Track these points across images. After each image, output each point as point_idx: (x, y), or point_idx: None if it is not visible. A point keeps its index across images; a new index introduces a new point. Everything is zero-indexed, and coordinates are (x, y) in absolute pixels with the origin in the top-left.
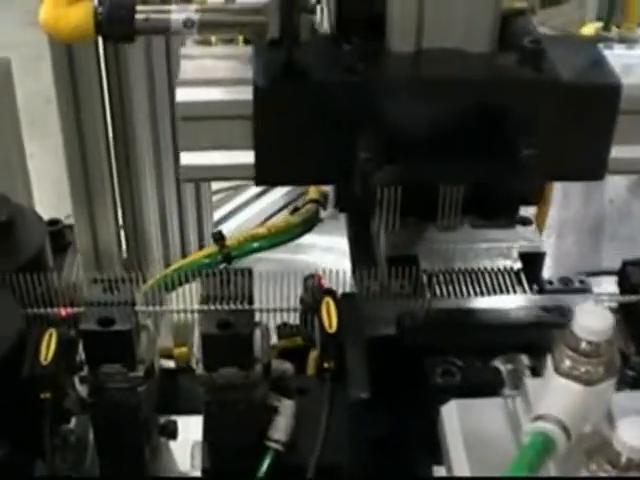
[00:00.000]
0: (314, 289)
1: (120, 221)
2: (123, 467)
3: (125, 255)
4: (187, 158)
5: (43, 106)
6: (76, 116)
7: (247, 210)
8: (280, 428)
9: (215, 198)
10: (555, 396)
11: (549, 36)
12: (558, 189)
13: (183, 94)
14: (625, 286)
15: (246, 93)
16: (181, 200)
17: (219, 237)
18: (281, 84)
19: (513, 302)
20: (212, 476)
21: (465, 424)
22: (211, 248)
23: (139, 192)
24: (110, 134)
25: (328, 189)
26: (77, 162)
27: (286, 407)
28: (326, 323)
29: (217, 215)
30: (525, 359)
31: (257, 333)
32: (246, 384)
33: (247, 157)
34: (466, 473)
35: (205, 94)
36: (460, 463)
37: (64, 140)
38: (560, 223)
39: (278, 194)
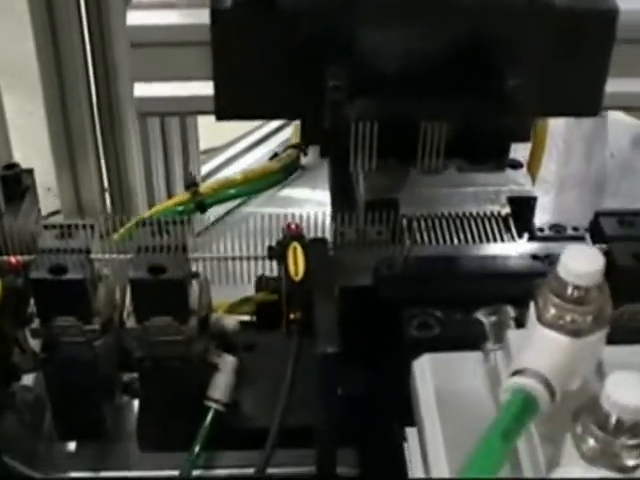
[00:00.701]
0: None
1: (105, 180)
2: (81, 427)
3: (110, 211)
4: (141, 90)
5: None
6: (57, 72)
7: (236, 165)
8: (220, 386)
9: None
10: (538, 349)
11: None
12: (559, 144)
13: (134, 18)
14: (597, 237)
15: (204, 16)
16: (167, 156)
17: (191, 184)
18: (242, 5)
19: (500, 250)
20: (148, 441)
21: (439, 380)
22: (183, 195)
23: (124, 150)
24: (93, 90)
25: None
26: (59, 120)
27: (227, 364)
28: (292, 270)
29: (204, 170)
30: (511, 311)
31: (194, 285)
32: (181, 338)
33: (207, 88)
34: (438, 434)
35: (159, 18)
36: (432, 423)
37: (44, 97)
38: (561, 179)
39: (268, 147)
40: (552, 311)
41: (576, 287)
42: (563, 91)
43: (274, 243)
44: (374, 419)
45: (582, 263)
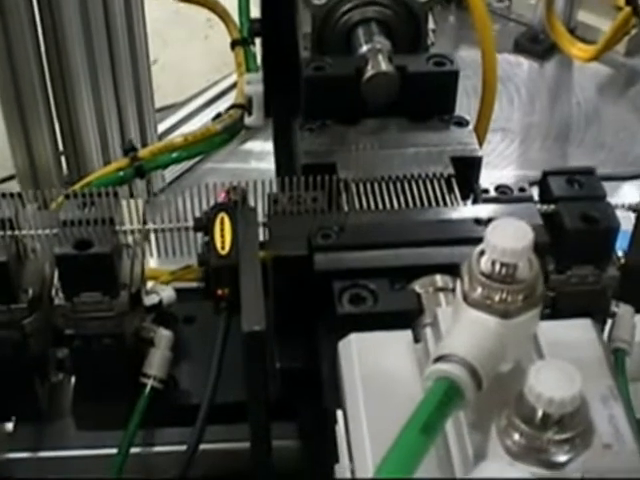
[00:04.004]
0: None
1: (60, 143)
2: (15, 407)
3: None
4: None
5: None
6: (4, 33)
7: (193, 121)
8: (155, 362)
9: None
10: (464, 331)
11: None
12: (523, 93)
13: None
14: (545, 197)
15: None
16: (122, 115)
17: (130, 148)
18: None
19: (441, 214)
20: (84, 419)
21: (365, 362)
22: (122, 161)
23: (76, 111)
24: (42, 46)
25: (253, 93)
26: (8, 83)
27: (162, 338)
28: (218, 244)
29: (162, 127)
30: (450, 281)
31: (125, 258)
32: (112, 314)
33: None
34: (361, 420)
35: None
36: (355, 408)
37: None
38: (525, 128)
39: (227, 104)
40: (479, 290)
41: (503, 265)
42: None
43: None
44: (311, 396)
45: (509, 239)
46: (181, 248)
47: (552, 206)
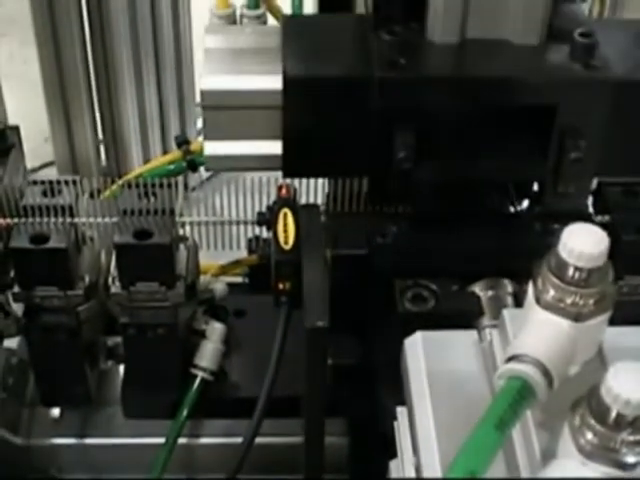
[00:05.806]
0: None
1: (99, 132)
2: (64, 393)
3: (104, 164)
4: (211, 148)
5: None
6: (51, 21)
7: None
8: (207, 354)
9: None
10: (535, 332)
11: (600, 22)
12: None
13: (209, 82)
14: (600, 207)
15: (276, 82)
16: (163, 107)
17: (183, 141)
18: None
19: (500, 219)
20: (133, 407)
21: (431, 360)
22: (175, 153)
23: (118, 102)
24: (87, 37)
25: None
26: (53, 70)
27: (214, 331)
28: (281, 239)
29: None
30: (508, 285)
31: (182, 249)
32: (167, 305)
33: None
34: (428, 417)
35: (232, 83)
36: (422, 405)
37: (38, 44)
38: None
39: None
40: (552, 293)
41: (578, 269)
42: (621, 156)
43: (266, 206)
44: (365, 392)
45: (585, 243)
46: (232, 241)
47: (607, 216)
